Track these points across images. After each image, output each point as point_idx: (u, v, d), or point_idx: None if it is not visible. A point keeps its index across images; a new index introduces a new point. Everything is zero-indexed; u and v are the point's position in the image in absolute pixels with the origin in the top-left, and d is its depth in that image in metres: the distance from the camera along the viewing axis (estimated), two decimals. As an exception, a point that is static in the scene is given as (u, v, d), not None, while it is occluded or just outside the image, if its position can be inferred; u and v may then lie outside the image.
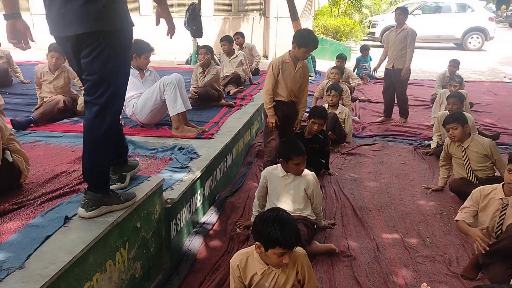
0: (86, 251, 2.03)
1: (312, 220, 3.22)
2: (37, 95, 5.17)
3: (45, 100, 5.03)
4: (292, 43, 3.97)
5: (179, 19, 9.64)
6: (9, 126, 2.66)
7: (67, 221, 2.23)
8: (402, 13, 6.34)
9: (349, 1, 17.30)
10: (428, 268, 3.05)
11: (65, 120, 4.81)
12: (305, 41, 3.89)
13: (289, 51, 4.06)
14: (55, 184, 2.72)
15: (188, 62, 10.80)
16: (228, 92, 6.26)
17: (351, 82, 8.07)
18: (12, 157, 2.53)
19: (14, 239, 2.07)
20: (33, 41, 2.13)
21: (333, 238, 3.42)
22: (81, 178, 2.81)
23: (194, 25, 10.16)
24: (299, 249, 2.26)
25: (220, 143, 4.13)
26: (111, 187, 2.54)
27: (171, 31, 2.72)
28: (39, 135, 4.23)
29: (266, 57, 12.81)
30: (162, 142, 4.12)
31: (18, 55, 7.04)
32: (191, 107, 4.47)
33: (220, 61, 7.30)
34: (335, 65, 7.75)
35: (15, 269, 1.84)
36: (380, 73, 8.29)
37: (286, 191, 3.23)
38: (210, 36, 11.81)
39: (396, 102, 6.75)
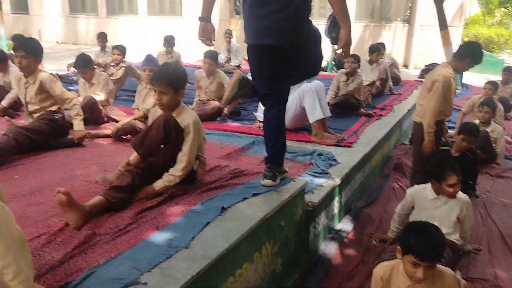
0: (240, 241, 2.22)
1: (458, 245, 3.03)
2: (195, 98, 5.67)
3: (198, 101, 5.52)
4: (461, 58, 3.73)
5: (320, 26, 9.79)
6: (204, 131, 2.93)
7: (223, 211, 2.46)
8: None
9: (506, 10, 15.76)
10: None
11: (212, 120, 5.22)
12: (479, 58, 3.69)
13: (448, 63, 3.82)
14: (211, 177, 3.00)
15: (324, 69, 10.87)
16: (364, 101, 6.17)
17: None
18: (196, 167, 2.81)
19: (180, 222, 2.35)
20: (214, 40, 2.72)
21: (477, 264, 3.19)
22: (233, 173, 3.07)
23: (334, 33, 10.20)
24: (447, 269, 2.18)
25: (359, 153, 4.12)
26: (262, 182, 2.81)
27: (341, 41, 2.57)
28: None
29: (406, 66, 12.32)
30: (302, 146, 4.24)
31: (185, 58, 7.86)
32: (330, 115, 4.52)
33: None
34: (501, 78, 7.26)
35: (181, 248, 2.08)
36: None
37: (435, 215, 3.05)
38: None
39: None
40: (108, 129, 4.25)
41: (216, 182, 2.89)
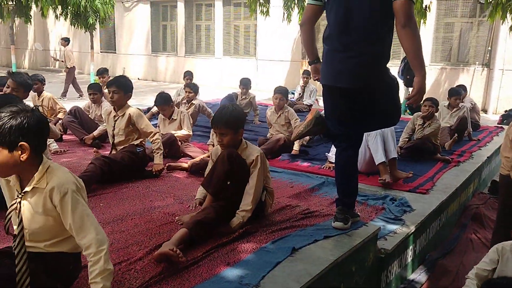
0: (311, 283, 2.19)
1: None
2: (267, 134, 5.75)
3: (270, 136, 5.62)
4: None
5: (393, 67, 9.66)
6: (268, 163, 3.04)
7: (294, 252, 2.45)
8: None
9: None
10: None
11: (284, 157, 5.26)
12: None
13: None
14: (281, 216, 3.02)
15: (398, 111, 10.64)
16: (443, 146, 5.93)
17: None
18: (265, 197, 2.90)
19: (251, 259, 2.38)
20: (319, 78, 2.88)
21: None
22: (304, 213, 3.07)
23: (409, 75, 10.05)
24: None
25: (436, 200, 3.95)
26: (334, 224, 2.79)
27: (414, 89, 2.55)
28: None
29: (485, 111, 11.75)
30: (373, 190, 4.15)
31: (258, 97, 8.09)
32: (394, 156, 4.36)
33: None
34: None
35: (252, 286, 2.11)
36: None
37: None
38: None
39: None
40: (185, 162, 4.45)
41: (287, 222, 2.91)
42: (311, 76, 3.02)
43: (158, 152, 4.01)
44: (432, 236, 3.87)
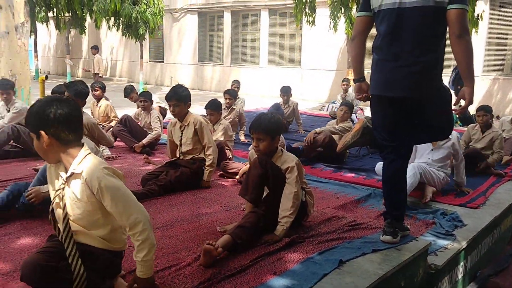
0: (359, 297, 2.17)
1: None
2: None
3: None
4: None
5: (444, 77, 9.36)
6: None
7: (341, 265, 2.43)
8: None
9: None
10: None
11: (325, 168, 5.19)
12: None
13: None
14: (328, 227, 3.00)
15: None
16: (500, 160, 5.68)
17: None
18: (305, 197, 2.93)
19: (297, 269, 2.37)
20: (370, 96, 2.81)
21: None
22: (351, 225, 3.03)
23: (460, 85, 9.75)
24: None
25: (488, 215, 3.79)
26: (382, 238, 2.75)
27: (466, 100, 2.58)
28: (308, 178, 4.70)
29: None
30: (424, 203, 4.03)
31: (302, 106, 8.01)
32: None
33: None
34: None
35: (299, 296, 2.10)
36: None
37: None
38: (476, 97, 11.03)
39: None
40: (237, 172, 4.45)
41: (333, 233, 2.89)
42: (355, 94, 2.97)
43: (208, 169, 3.97)
44: (484, 252, 3.71)
